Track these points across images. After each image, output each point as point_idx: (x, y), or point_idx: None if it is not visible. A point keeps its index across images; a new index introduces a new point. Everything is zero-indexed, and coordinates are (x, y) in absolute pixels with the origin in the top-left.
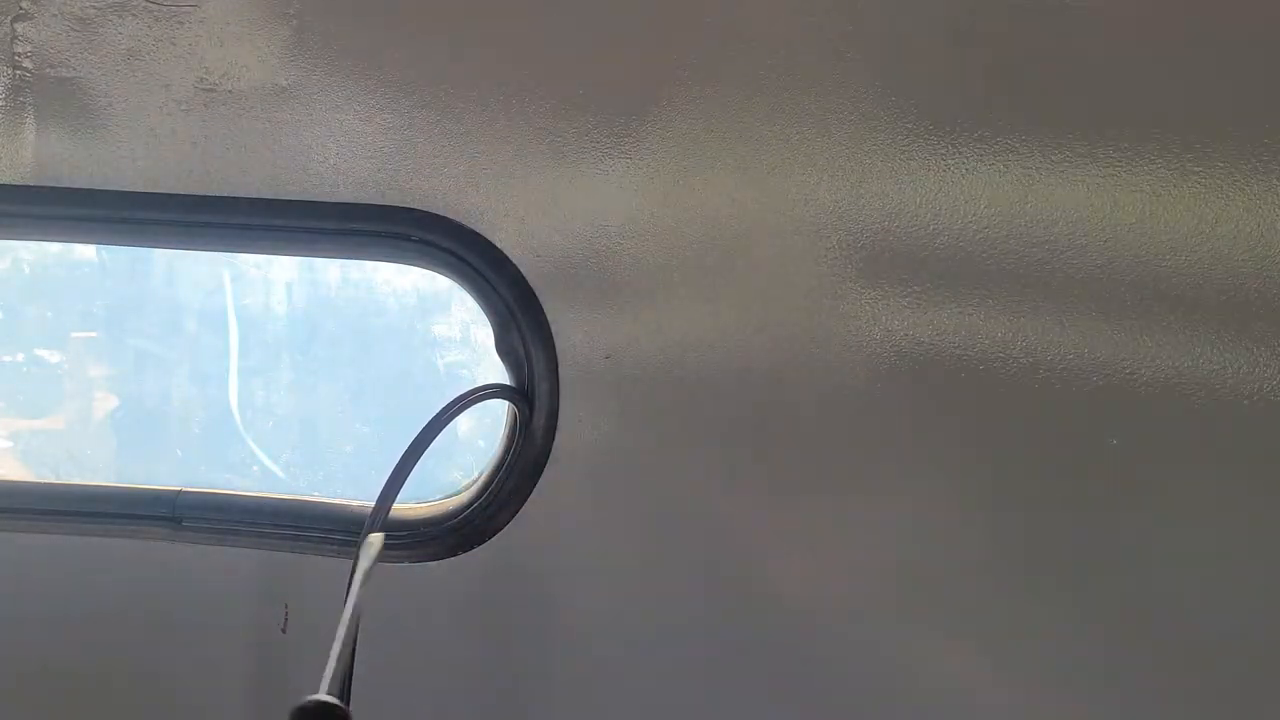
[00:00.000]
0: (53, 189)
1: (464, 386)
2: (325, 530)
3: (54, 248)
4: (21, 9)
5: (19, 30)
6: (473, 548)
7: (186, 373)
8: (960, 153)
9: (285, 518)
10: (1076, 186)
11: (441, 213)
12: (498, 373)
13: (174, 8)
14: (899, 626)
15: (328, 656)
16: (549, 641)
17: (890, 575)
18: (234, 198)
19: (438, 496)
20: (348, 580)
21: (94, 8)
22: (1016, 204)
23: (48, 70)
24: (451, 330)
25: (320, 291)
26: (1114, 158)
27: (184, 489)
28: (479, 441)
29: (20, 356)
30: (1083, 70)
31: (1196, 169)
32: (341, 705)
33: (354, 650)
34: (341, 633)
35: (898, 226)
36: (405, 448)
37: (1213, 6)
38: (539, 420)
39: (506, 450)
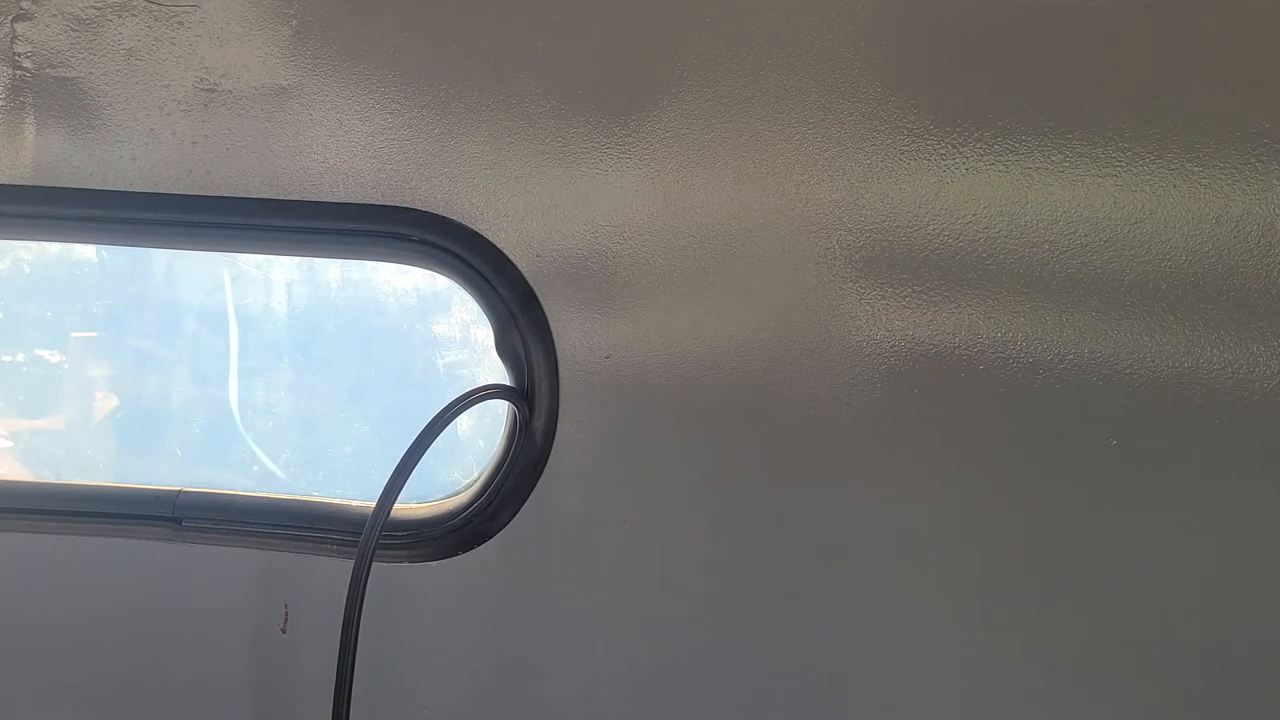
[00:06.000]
0: (53, 189)
1: (464, 386)
2: (325, 530)
3: (54, 248)
4: (21, 9)
5: (19, 30)
6: (473, 548)
7: (186, 373)
8: (961, 153)
9: (285, 518)
10: (1076, 186)
11: (441, 213)
12: (498, 373)
13: (174, 8)
14: (899, 624)
15: (328, 657)
16: (549, 641)
17: (890, 573)
18: (234, 198)
19: (438, 496)
20: (348, 580)
21: (94, 8)
22: (1016, 204)
23: (48, 70)
24: (451, 330)
25: (320, 291)
26: (1114, 158)
27: (184, 489)
28: (479, 441)
29: (20, 356)
30: (1083, 70)
31: (1196, 169)
32: None
33: (354, 650)
34: (342, 633)
35: (898, 226)
36: (406, 448)
37: (1212, 6)
38: (539, 420)
39: (506, 450)
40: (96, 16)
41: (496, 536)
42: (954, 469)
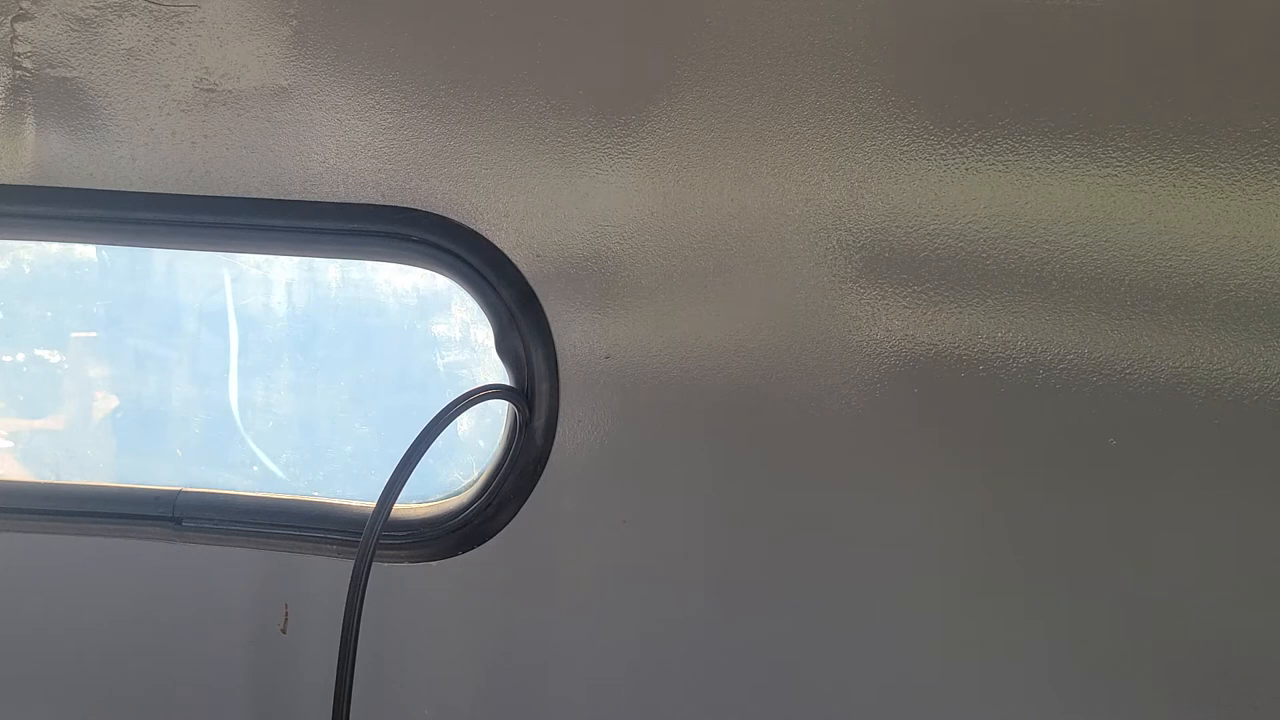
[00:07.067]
0: (53, 189)
1: (464, 386)
2: (325, 530)
3: (54, 248)
4: (21, 9)
5: (19, 30)
6: (473, 548)
7: (186, 373)
8: (960, 153)
9: (285, 518)
10: (1076, 186)
11: (441, 213)
12: (498, 373)
13: (174, 8)
14: (898, 624)
15: (328, 657)
16: (549, 641)
17: (890, 573)
18: (234, 198)
19: (438, 496)
20: (348, 580)
21: (94, 8)
22: (1016, 204)
23: (48, 70)
24: (451, 330)
25: (320, 291)
26: (1114, 158)
27: (184, 489)
28: (479, 441)
29: (20, 356)
30: (1083, 70)
31: (1196, 169)
32: None
33: (354, 650)
34: (342, 633)
35: (898, 226)
36: (406, 448)
37: (1212, 7)
38: (539, 420)
39: (506, 450)
40: (96, 16)
41: (496, 536)
42: (954, 469)
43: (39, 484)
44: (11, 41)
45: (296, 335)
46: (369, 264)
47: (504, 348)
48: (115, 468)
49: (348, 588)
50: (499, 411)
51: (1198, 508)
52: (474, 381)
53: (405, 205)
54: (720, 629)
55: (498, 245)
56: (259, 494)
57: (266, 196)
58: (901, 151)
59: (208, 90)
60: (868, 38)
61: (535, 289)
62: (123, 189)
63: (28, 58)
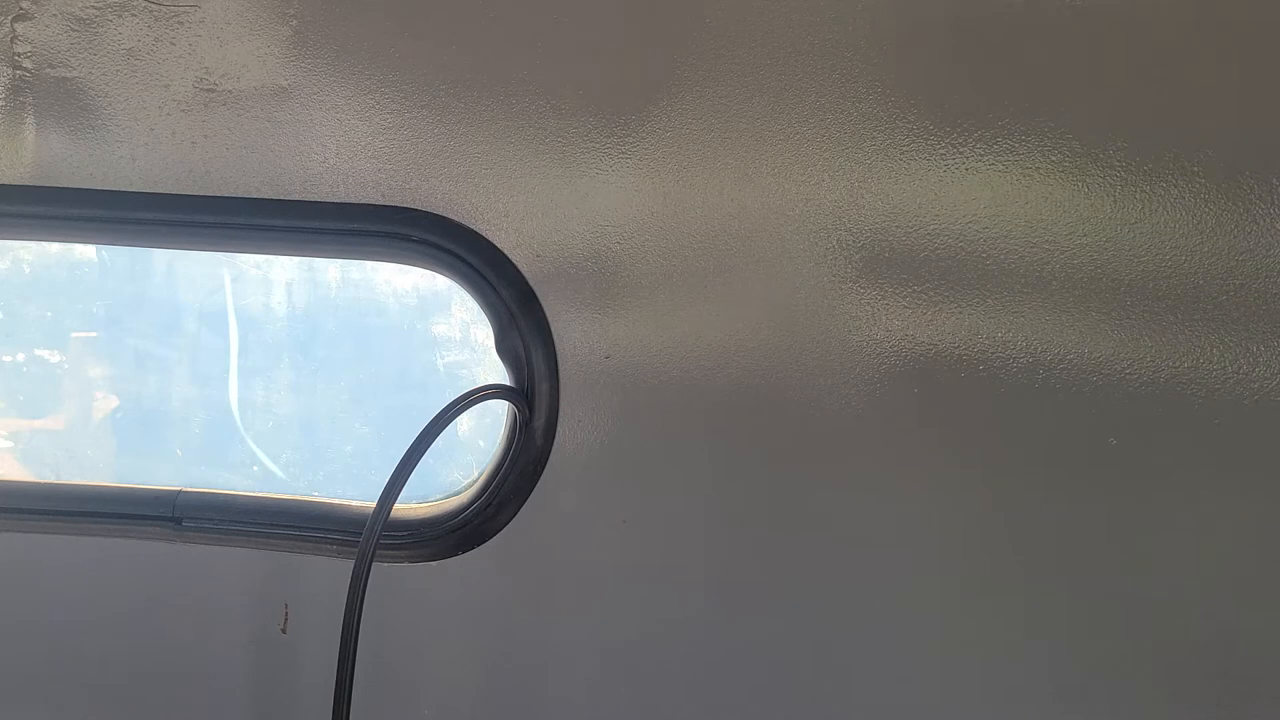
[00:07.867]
0: (53, 189)
1: (464, 386)
2: (325, 530)
3: (54, 248)
4: (21, 9)
5: (19, 30)
6: (473, 548)
7: (186, 373)
8: (960, 153)
9: (285, 518)
10: (1076, 186)
11: (441, 213)
12: (498, 373)
13: (174, 8)
14: (899, 624)
15: (328, 657)
16: (549, 641)
17: (890, 573)
18: (234, 198)
19: (438, 496)
20: (348, 580)
21: (94, 8)
22: (1016, 204)
23: (48, 70)
24: (451, 330)
25: (320, 291)
26: (1114, 158)
27: (184, 489)
28: (479, 441)
29: (20, 356)
30: (1082, 71)
31: (1196, 169)
32: None
33: (354, 650)
34: (342, 633)
35: (898, 226)
36: (406, 448)
37: (1212, 8)
38: (539, 420)
39: (506, 450)
40: (96, 16)
41: (496, 536)
42: (953, 469)
43: (39, 484)
44: (11, 41)
45: (296, 335)
46: (369, 264)
47: (504, 348)
48: (115, 468)
49: (348, 588)
50: (499, 411)
51: (1198, 508)
52: (474, 381)
53: (405, 205)
54: (720, 629)
55: (498, 245)
56: (259, 494)
57: (266, 196)
58: (901, 151)
59: (208, 90)
60: (868, 38)
61: (535, 289)
62: (123, 189)
63: (28, 58)
